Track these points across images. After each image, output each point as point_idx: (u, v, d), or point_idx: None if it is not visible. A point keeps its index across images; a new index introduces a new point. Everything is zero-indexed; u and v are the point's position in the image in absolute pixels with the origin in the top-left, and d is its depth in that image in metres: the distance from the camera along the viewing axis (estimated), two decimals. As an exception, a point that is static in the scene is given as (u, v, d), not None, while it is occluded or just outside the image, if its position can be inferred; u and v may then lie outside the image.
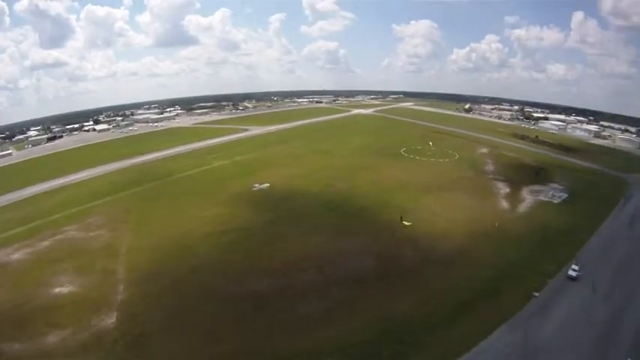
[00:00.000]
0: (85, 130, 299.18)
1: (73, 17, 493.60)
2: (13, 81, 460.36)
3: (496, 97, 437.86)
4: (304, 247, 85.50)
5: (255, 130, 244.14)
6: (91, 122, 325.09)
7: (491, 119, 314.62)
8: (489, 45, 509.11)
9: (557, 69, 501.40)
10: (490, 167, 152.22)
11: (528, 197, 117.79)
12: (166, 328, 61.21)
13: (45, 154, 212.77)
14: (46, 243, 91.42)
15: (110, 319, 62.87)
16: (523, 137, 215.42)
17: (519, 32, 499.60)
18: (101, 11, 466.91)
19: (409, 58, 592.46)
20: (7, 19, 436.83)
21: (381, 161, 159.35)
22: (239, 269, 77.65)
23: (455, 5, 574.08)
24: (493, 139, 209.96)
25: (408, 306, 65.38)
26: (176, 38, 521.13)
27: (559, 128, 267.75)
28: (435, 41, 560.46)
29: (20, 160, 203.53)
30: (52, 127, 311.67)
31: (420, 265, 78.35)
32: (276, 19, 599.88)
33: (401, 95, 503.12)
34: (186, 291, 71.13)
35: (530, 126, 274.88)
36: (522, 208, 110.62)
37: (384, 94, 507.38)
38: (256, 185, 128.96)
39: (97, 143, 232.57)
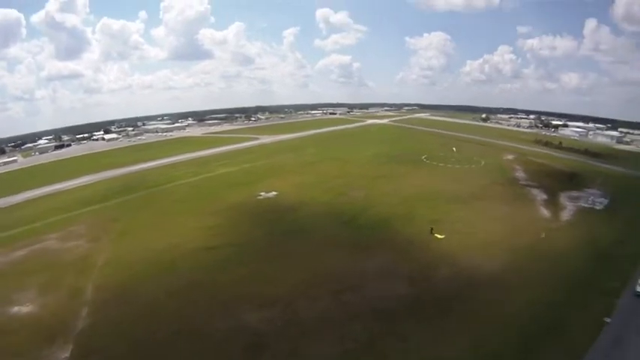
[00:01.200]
0: (94, 140, 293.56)
1: (88, 29, 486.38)
2: (29, 91, 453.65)
3: (510, 107, 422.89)
4: (315, 268, 67.44)
5: (266, 139, 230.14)
6: (102, 132, 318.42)
7: (510, 127, 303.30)
8: (502, 56, 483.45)
9: (571, 78, 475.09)
10: (520, 174, 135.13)
11: (568, 204, 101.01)
12: (126, 374, 45.11)
13: (48, 161, 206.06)
14: (20, 253, 79.29)
15: (64, 354, 48.25)
16: (546, 144, 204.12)
17: (532, 42, 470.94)
18: (116, 24, 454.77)
19: (423, 70, 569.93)
20: (24, 31, 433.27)
21: (400, 168, 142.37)
22: (230, 294, 59.96)
23: (467, 16, 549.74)
24: (516, 146, 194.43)
25: (457, 349, 47.27)
26: (191, 52, 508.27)
27: (580, 135, 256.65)
28: (448, 53, 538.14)
29: (23, 166, 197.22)
30: (62, 137, 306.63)
31: (463, 289, 60.27)
32: (289, 32, 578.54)
33: (415, 107, 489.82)
34: (159, 321, 54.22)
35: (550, 133, 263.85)
36: (565, 216, 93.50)
37: (398, 106, 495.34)
38: (262, 193, 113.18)
39: (102, 151, 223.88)
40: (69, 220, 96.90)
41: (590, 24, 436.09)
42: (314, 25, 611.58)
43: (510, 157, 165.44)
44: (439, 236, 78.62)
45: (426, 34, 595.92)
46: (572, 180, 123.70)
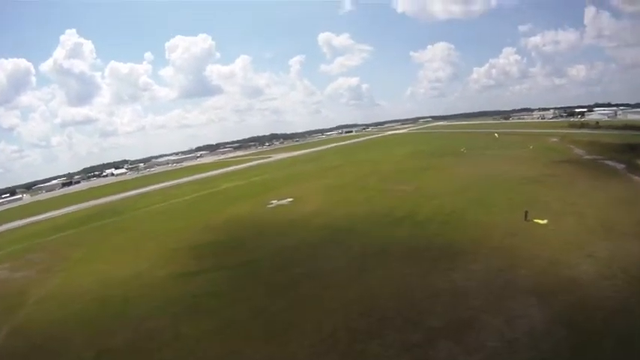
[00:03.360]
0: (103, 176, 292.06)
1: (97, 74, 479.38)
2: (45, 138, 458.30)
3: (524, 108, 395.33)
4: (363, 297, 34.93)
5: (280, 156, 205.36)
6: (113, 169, 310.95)
7: (535, 120, 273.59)
8: (507, 58, 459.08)
9: (579, 70, 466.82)
10: (577, 150, 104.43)
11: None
12: None
13: (50, 196, 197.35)
14: (-38, 288, 57.12)
15: None
16: (582, 125, 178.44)
17: (535, 39, 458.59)
18: (124, 67, 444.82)
19: (431, 83, 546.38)
20: (34, 79, 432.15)
21: (443, 161, 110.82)
22: (202, 361, 29.70)
23: (467, 22, 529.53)
24: (554, 131, 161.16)
25: None
26: (200, 89, 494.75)
27: (609, 116, 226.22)
28: (453, 63, 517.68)
29: (26, 202, 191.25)
30: (74, 177, 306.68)
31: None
32: (295, 61, 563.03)
33: (429, 119, 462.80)
34: None
35: (578, 119, 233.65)
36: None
37: (413, 120, 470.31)
38: (273, 202, 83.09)
39: (106, 184, 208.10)
40: (32, 248, 77.40)
41: (590, 12, 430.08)
42: (318, 50, 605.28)
43: (555, 139, 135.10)
44: (540, 221, 48.53)
45: (429, 46, 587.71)
46: (635, 150, 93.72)
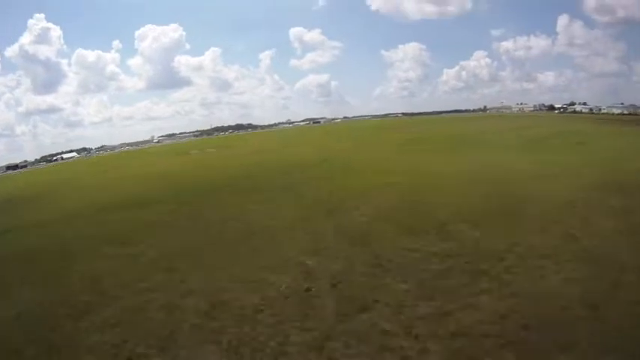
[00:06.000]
0: (54, 160, 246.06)
1: (64, 62, 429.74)
2: (9, 127, 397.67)
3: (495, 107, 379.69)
4: None
5: (232, 135, 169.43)
6: (63, 154, 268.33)
7: (516, 113, 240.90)
8: (478, 61, 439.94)
9: (547, 77, 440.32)
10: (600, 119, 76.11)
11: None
12: None
13: None
14: None
15: None
16: (575, 112, 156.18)
17: (507, 44, 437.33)
18: (92, 55, 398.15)
19: (401, 82, 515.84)
20: None
21: (438, 127, 74.59)
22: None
23: (440, 24, 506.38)
24: (551, 114, 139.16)
25: None
26: (168, 80, 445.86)
27: (593, 111, 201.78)
28: (424, 63, 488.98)
29: None
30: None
31: None
32: (265, 55, 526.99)
33: (400, 114, 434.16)
34: None
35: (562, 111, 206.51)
36: None
37: (382, 116, 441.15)
38: (193, 152, 56.02)
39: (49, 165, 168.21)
40: None
41: (563, 20, 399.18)
42: (289, 45, 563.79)
43: (559, 120, 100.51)
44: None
45: (400, 46, 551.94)
46: None
